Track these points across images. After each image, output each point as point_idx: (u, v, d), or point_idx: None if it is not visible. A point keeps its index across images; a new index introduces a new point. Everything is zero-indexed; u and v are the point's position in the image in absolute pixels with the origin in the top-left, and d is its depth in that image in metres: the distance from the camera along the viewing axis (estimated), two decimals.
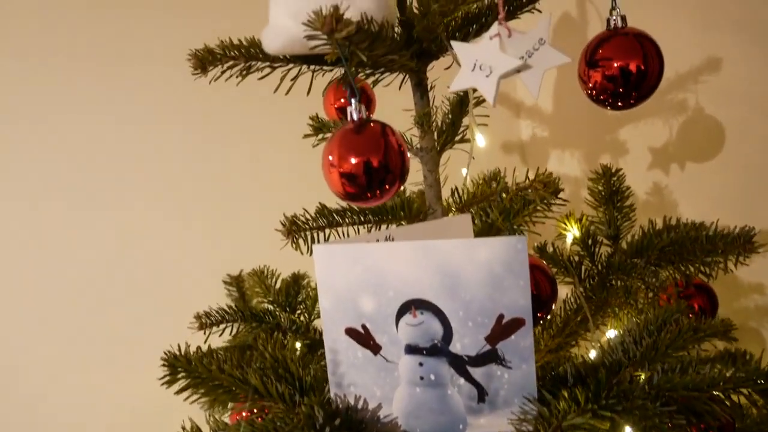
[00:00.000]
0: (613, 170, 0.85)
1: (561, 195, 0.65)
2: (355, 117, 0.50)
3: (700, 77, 1.05)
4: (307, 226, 0.63)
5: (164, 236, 1.05)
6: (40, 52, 0.94)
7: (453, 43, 0.51)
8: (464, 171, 0.87)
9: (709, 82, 1.03)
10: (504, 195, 0.64)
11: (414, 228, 0.62)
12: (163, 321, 1.05)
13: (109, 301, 1.01)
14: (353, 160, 0.49)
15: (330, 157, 0.51)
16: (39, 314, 0.97)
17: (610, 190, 0.82)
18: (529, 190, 0.60)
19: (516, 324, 0.54)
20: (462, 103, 0.75)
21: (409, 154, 0.71)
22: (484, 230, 0.71)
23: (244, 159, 1.08)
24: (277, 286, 0.85)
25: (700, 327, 0.60)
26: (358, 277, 0.57)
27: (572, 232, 0.81)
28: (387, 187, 0.50)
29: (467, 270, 0.54)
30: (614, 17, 0.62)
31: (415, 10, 0.61)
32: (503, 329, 0.54)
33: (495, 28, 0.50)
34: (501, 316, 0.54)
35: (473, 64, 0.51)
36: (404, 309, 0.56)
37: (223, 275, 1.04)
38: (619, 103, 0.62)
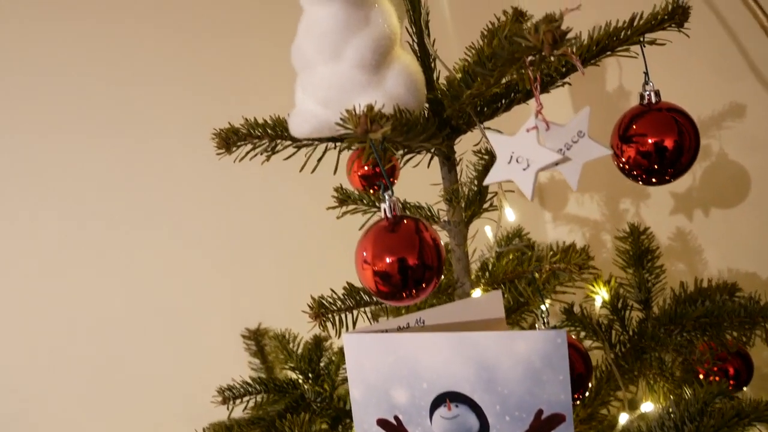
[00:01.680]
0: (642, 229, 0.83)
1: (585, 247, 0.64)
2: (389, 214, 0.48)
3: (723, 123, 1.03)
4: (334, 308, 0.62)
5: (181, 287, 1.04)
6: (72, 120, 0.94)
7: (488, 134, 0.50)
8: (489, 231, 0.86)
9: (733, 128, 1.02)
10: (536, 275, 0.62)
11: (445, 309, 0.60)
12: (180, 377, 1.03)
13: (123, 354, 0.99)
14: (388, 259, 0.48)
15: (364, 253, 0.49)
16: (49, 368, 0.95)
17: (639, 251, 0.81)
18: (562, 268, 0.59)
19: (556, 420, 0.52)
20: (488, 169, 0.74)
21: (436, 226, 0.70)
22: (514, 302, 0.70)
23: (265, 209, 1.07)
24: (299, 351, 0.83)
25: (744, 410, 0.58)
26: (391, 368, 0.55)
27: (601, 294, 0.79)
28: (424, 285, 0.48)
29: (505, 363, 0.52)
30: (648, 92, 0.61)
31: (443, 86, 0.60)
32: (543, 425, 0.53)
33: (532, 120, 0.49)
34: (540, 411, 0.52)
35: (509, 156, 0.49)
36: (439, 401, 0.55)
37: (241, 328, 1.03)
38: (654, 179, 0.61)
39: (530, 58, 0.48)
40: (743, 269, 1.05)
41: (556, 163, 0.48)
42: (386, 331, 0.58)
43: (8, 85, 0.90)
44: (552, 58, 0.49)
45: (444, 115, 0.58)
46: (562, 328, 0.51)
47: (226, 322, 1.04)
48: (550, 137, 0.49)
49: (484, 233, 0.80)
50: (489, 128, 0.55)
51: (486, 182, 0.50)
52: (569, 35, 0.45)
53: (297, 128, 0.57)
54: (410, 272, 0.48)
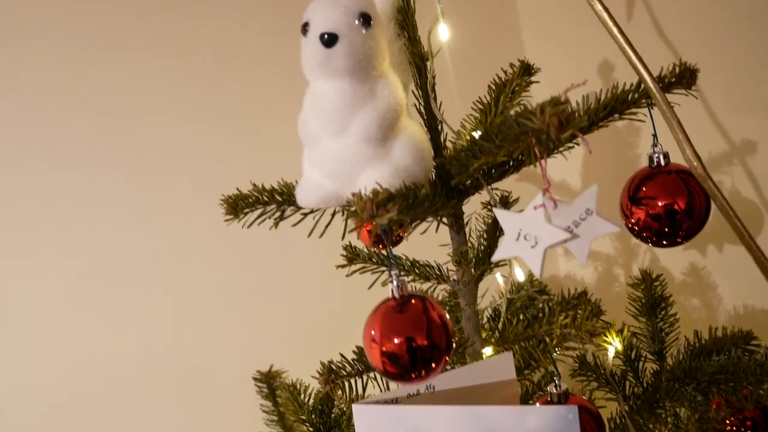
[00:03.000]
0: (654, 275, 0.82)
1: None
2: (396, 294, 0.48)
3: (734, 159, 1.02)
4: (344, 372, 0.61)
5: (192, 332, 1.04)
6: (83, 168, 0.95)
7: (496, 211, 0.50)
8: (499, 278, 0.85)
9: (745, 164, 1.01)
10: (547, 339, 0.62)
11: (455, 374, 0.60)
12: (193, 421, 1.03)
13: (134, 397, 1.00)
14: (396, 340, 0.48)
15: (372, 332, 0.49)
16: (60, 416, 0.95)
17: (652, 299, 0.80)
18: (573, 334, 0.58)
19: None
20: (496, 225, 0.74)
21: (445, 286, 0.69)
22: (525, 362, 0.69)
23: (276, 254, 1.07)
24: (310, 402, 0.83)
25: None
26: None
27: (614, 345, 0.78)
28: (433, 365, 0.48)
29: None
30: (656, 154, 0.60)
31: (451, 153, 0.60)
32: None
33: (539, 198, 0.48)
34: None
35: (517, 233, 0.49)
36: None
37: (252, 371, 1.03)
38: (664, 242, 0.60)
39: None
40: (758, 305, 1.04)
41: (565, 241, 0.48)
42: (396, 399, 0.58)
43: (15, 141, 0.91)
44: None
45: (452, 183, 0.58)
46: (573, 406, 0.50)
47: (237, 365, 1.04)
48: (558, 215, 0.48)
49: (494, 290, 0.80)
50: (496, 195, 0.54)
51: (494, 259, 0.49)
52: (575, 116, 0.45)
53: (304, 199, 0.57)
54: (419, 353, 0.48)
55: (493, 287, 0.80)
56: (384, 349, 0.48)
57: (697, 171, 0.57)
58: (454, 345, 0.50)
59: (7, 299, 0.91)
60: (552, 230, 0.48)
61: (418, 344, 0.48)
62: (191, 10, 1.01)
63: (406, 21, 0.60)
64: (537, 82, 0.74)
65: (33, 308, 0.92)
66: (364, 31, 0.52)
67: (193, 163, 1.00)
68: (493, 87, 0.73)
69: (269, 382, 1.02)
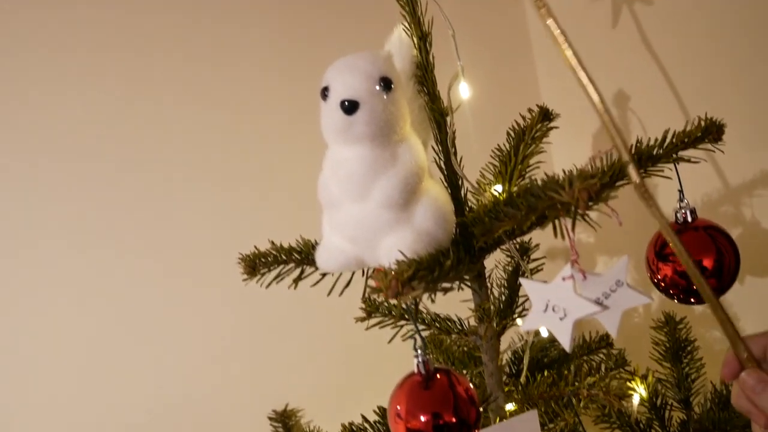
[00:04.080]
0: (678, 319, 0.80)
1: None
2: (422, 369, 0.47)
3: (754, 191, 1.00)
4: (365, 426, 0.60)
5: (207, 370, 1.03)
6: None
7: (524, 282, 0.48)
8: (519, 321, 0.84)
9: (765, 196, 0.99)
10: (574, 400, 0.61)
11: None
12: None
13: None
14: (422, 417, 0.47)
15: (398, 407, 0.48)
16: None
17: (677, 344, 0.78)
18: (601, 397, 0.57)
19: None
20: (517, 274, 0.73)
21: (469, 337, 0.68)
22: (548, 415, 0.68)
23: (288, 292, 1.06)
24: None
25: None
26: None
27: (638, 392, 0.76)
28: None
29: None
30: (683, 209, 0.59)
31: (474, 214, 0.58)
32: None
33: (568, 269, 0.47)
34: None
35: (545, 304, 0.48)
36: None
37: (268, 410, 1.02)
38: (692, 300, 0.59)
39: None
40: None
41: (594, 313, 0.47)
42: None
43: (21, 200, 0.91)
44: None
45: (475, 245, 0.57)
46: None
47: (252, 404, 1.03)
48: (587, 286, 0.47)
49: (515, 341, 0.79)
50: (524, 269, 0.53)
51: (522, 329, 0.48)
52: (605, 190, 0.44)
53: (325, 264, 0.56)
54: (446, 430, 0.47)
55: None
56: (410, 426, 0.47)
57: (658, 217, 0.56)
58: (481, 417, 0.49)
59: (22, 353, 0.90)
60: (581, 303, 0.47)
61: (445, 421, 0.47)
62: (209, 59, 1.00)
63: (425, 77, 0.59)
64: (556, 127, 0.73)
65: (47, 358, 0.91)
66: (385, 96, 0.51)
67: (209, 215, 0.99)
68: (512, 134, 0.72)
69: (285, 422, 1.01)
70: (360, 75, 0.51)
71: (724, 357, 0.52)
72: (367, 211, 0.52)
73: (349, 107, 0.50)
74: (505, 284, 0.73)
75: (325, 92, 0.52)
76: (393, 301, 0.71)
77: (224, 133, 1.00)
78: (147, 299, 0.97)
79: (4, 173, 0.88)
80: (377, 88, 0.51)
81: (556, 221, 0.47)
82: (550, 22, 0.52)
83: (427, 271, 0.47)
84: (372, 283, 0.49)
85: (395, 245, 0.51)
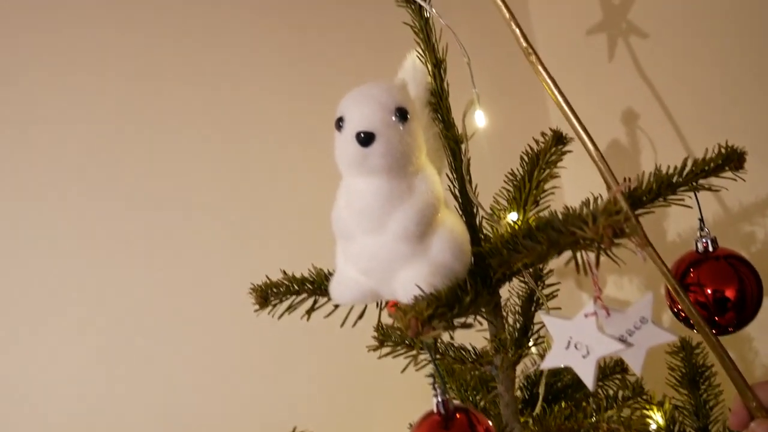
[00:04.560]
0: (694, 344, 0.79)
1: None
2: (442, 410, 0.46)
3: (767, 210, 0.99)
4: None
5: (211, 396, 1.01)
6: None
7: (545, 318, 0.47)
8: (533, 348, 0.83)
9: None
10: None
11: None
12: None
13: None
14: None
15: None
16: None
17: (693, 370, 0.77)
18: (622, 430, 0.55)
19: None
20: (531, 300, 0.72)
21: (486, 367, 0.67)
22: None
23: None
24: None
25: None
26: None
27: (655, 419, 0.75)
28: None
29: None
30: (704, 239, 0.58)
31: (491, 244, 0.57)
32: None
33: (591, 306, 0.46)
34: None
35: (567, 341, 0.47)
36: None
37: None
38: (714, 331, 0.57)
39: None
40: None
41: (618, 351, 0.46)
42: None
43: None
44: None
45: (492, 276, 0.55)
46: None
47: (261, 428, 1.01)
48: (611, 323, 0.46)
49: (528, 365, 0.77)
50: (545, 303, 0.52)
51: (542, 367, 0.47)
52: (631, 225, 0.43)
53: (339, 296, 0.55)
54: None
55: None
56: None
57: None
58: None
59: (24, 381, 0.89)
60: (605, 340, 0.46)
61: None
62: (222, 87, 1.00)
63: (440, 104, 0.58)
64: (570, 151, 0.72)
65: (52, 377, 0.90)
66: (401, 128, 0.50)
67: (221, 242, 0.97)
68: (526, 159, 0.71)
69: None
70: (375, 105, 0.50)
71: (732, 405, 0.50)
72: (382, 243, 0.51)
73: (365, 139, 0.49)
74: (520, 311, 0.72)
75: (339, 123, 0.51)
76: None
77: (237, 161, 0.99)
78: (156, 321, 0.95)
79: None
80: (393, 118, 0.50)
81: (579, 256, 0.46)
82: (540, 69, 0.52)
83: (446, 308, 0.46)
84: (389, 317, 0.48)
85: (412, 279, 0.50)
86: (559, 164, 0.71)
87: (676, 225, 1.04)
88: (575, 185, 1.06)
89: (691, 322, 0.55)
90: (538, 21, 1.20)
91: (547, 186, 0.68)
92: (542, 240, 0.48)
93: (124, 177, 0.93)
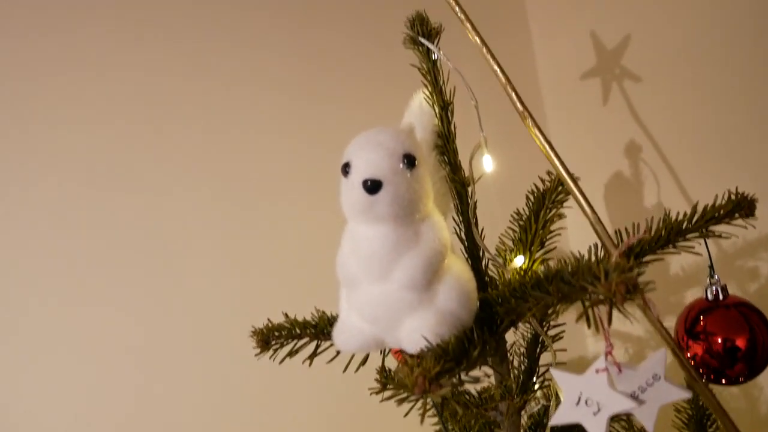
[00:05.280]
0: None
1: None
2: None
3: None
4: None
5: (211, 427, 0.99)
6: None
7: (554, 373, 0.46)
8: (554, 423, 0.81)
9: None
10: None
11: None
12: None
13: None
14: None
15: None
16: None
17: (700, 412, 0.75)
18: None
19: None
20: (536, 343, 0.70)
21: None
22: None
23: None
24: None
25: None
26: None
27: None
28: None
29: None
30: (713, 286, 0.57)
31: (499, 292, 0.56)
32: None
33: (602, 361, 0.45)
34: None
35: (578, 397, 0.45)
36: None
37: None
38: (723, 381, 0.57)
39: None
40: None
41: (630, 409, 0.44)
42: None
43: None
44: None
45: (498, 322, 0.54)
46: None
47: None
48: (622, 379, 0.45)
49: (533, 405, 0.76)
50: (550, 346, 0.51)
51: (551, 423, 0.46)
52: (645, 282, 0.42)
53: (343, 344, 0.53)
54: None
55: None
56: None
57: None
58: None
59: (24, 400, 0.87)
60: (616, 397, 0.44)
61: None
62: (225, 131, 0.99)
63: (446, 147, 0.58)
64: None
65: (46, 416, 0.88)
66: (408, 174, 0.49)
67: (222, 284, 0.95)
68: (532, 198, 0.70)
69: None
70: (383, 152, 0.49)
71: None
72: (388, 291, 0.50)
73: (372, 187, 0.48)
74: (525, 353, 0.71)
75: (346, 168, 0.50)
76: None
77: (241, 202, 0.97)
78: (155, 363, 0.93)
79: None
80: (401, 165, 0.49)
81: (589, 310, 0.45)
82: (536, 133, 0.52)
83: (453, 362, 0.45)
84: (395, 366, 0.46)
85: (418, 329, 0.49)
86: (564, 204, 0.70)
87: (681, 258, 1.03)
88: (580, 226, 1.05)
89: (692, 374, 0.54)
90: (543, 64, 1.20)
91: (553, 227, 0.67)
92: (552, 292, 0.47)
93: (123, 220, 0.91)
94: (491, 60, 0.52)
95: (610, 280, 0.42)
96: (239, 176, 0.97)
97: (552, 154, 0.52)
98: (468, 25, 0.53)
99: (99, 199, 0.89)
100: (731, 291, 0.58)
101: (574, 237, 1.15)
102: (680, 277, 1.05)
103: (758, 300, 0.59)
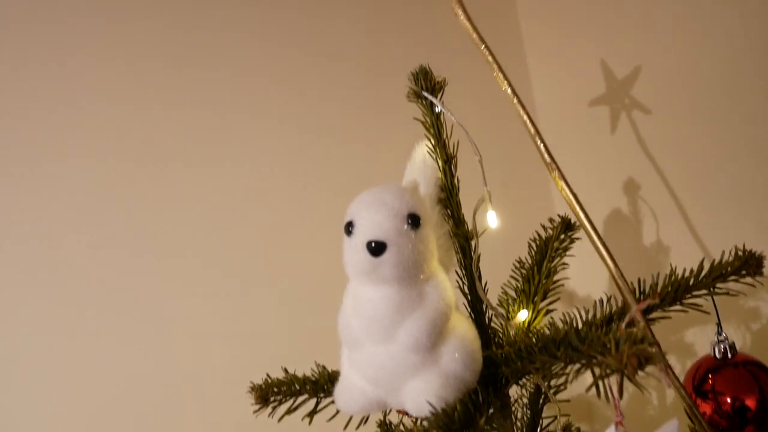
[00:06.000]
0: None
1: None
2: None
3: None
4: None
5: None
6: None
7: None
8: None
9: None
10: None
11: None
12: None
13: None
14: None
15: None
16: None
17: None
18: None
19: None
20: (539, 395, 0.69)
21: None
22: None
23: None
24: None
25: None
26: None
27: None
28: None
29: None
30: (721, 344, 0.56)
31: (504, 352, 0.55)
32: None
33: (612, 430, 0.44)
34: None
35: None
36: None
37: None
38: None
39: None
40: None
41: None
42: None
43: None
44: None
45: (503, 383, 0.53)
46: None
47: None
48: None
49: None
50: (558, 410, 0.50)
51: None
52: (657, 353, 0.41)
53: (345, 405, 0.52)
54: None
55: None
56: None
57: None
58: None
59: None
60: None
61: None
62: (227, 173, 0.95)
63: (449, 201, 0.57)
64: (579, 239, 0.70)
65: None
66: (413, 235, 0.48)
67: (221, 338, 0.90)
68: (534, 247, 0.70)
69: None
70: (387, 212, 0.48)
71: None
72: (391, 353, 0.49)
73: (376, 249, 0.47)
74: (527, 404, 0.69)
75: (349, 228, 0.49)
76: (409, 424, 0.67)
77: (239, 255, 0.93)
78: (153, 415, 0.90)
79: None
80: (405, 226, 0.48)
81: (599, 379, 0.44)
82: (563, 185, 0.52)
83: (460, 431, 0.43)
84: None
85: (422, 392, 0.48)
86: (567, 253, 0.69)
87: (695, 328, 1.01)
88: (583, 275, 1.03)
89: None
90: (540, 92, 1.20)
91: (556, 277, 0.66)
92: (560, 357, 0.46)
93: (119, 287, 0.87)
94: (522, 111, 0.52)
95: (621, 352, 0.41)
96: (237, 228, 0.93)
97: (578, 207, 0.51)
98: (501, 75, 0.52)
99: (91, 257, 0.86)
100: (738, 345, 0.57)
101: (576, 284, 1.14)
102: (687, 327, 1.04)
103: (765, 356, 0.58)
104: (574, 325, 0.55)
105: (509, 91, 0.52)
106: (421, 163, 0.57)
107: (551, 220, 0.71)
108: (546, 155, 0.51)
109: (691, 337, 0.95)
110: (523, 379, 0.69)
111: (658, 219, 1.04)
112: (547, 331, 0.57)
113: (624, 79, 1.01)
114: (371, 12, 1.06)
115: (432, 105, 0.56)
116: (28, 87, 0.85)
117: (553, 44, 1.17)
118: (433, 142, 0.57)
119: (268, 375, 0.59)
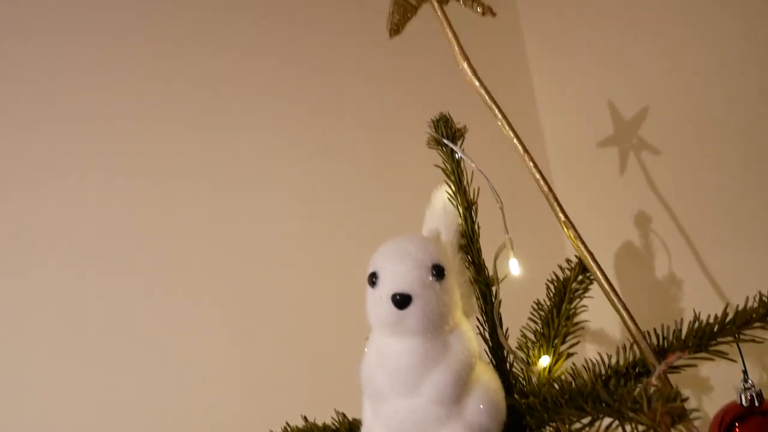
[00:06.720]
0: None
1: None
2: None
3: None
4: None
5: None
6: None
7: None
8: None
9: None
10: None
11: None
12: None
13: None
14: None
15: None
16: None
17: None
18: None
19: None
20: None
21: None
22: None
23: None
24: None
25: None
26: None
27: None
28: None
29: None
30: (749, 392, 0.55)
31: (528, 401, 0.54)
32: None
33: None
34: None
35: None
36: None
37: None
38: None
39: None
40: None
41: None
42: None
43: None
44: None
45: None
46: None
47: None
48: None
49: None
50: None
51: None
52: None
53: None
54: None
55: None
56: None
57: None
58: None
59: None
60: None
61: None
62: (234, 215, 0.93)
63: (470, 247, 0.57)
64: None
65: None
66: (438, 287, 0.48)
67: (239, 383, 0.89)
68: (552, 289, 0.69)
69: None
70: (411, 263, 0.48)
71: None
72: (416, 406, 0.48)
73: (402, 301, 0.47)
74: None
75: (373, 279, 0.49)
76: None
77: (258, 301, 0.91)
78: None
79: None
80: (430, 278, 0.48)
81: None
82: (579, 245, 0.52)
83: None
84: None
85: None
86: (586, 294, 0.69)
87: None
88: (602, 315, 1.02)
89: None
90: (550, 132, 1.21)
91: (576, 319, 0.66)
92: (588, 410, 0.46)
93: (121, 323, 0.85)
94: (534, 170, 0.52)
95: (654, 410, 0.40)
96: (260, 275, 0.91)
97: (594, 267, 0.51)
98: (511, 133, 0.53)
99: (97, 283, 0.84)
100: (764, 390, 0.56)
101: (595, 321, 1.12)
102: (704, 371, 1.02)
103: None
104: (598, 372, 0.55)
105: (520, 149, 0.52)
106: (441, 210, 0.57)
107: (568, 261, 0.71)
108: (561, 214, 0.52)
109: (709, 380, 0.94)
110: (548, 428, 0.69)
111: (671, 258, 1.04)
112: (571, 380, 0.56)
113: (632, 118, 1.01)
114: (391, 58, 1.06)
115: (452, 152, 0.57)
116: (36, 100, 0.84)
117: (562, 87, 1.18)
118: (453, 188, 0.57)
119: (287, 423, 0.58)
